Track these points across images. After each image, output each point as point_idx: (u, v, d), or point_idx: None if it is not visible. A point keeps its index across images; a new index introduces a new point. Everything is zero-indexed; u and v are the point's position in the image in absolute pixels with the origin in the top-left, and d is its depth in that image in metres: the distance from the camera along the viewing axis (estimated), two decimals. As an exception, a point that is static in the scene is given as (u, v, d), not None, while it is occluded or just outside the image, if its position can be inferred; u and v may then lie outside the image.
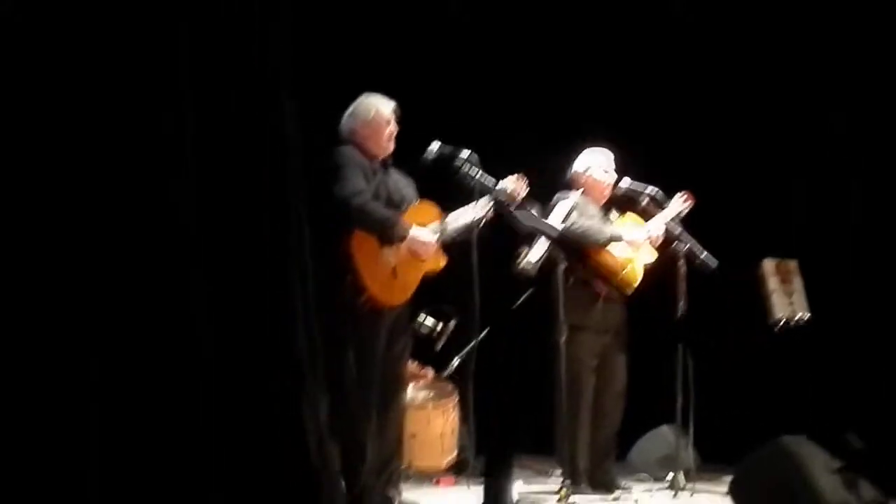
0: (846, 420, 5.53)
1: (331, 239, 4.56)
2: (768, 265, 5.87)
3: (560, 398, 5.05)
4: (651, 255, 5.55)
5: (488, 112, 6.61)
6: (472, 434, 5.25)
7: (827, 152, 6.56)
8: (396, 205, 4.74)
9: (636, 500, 5.08)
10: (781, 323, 5.72)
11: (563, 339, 5.02)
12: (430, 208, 4.84)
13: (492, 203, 4.75)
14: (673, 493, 5.36)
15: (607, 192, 5.61)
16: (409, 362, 5.28)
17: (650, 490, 5.42)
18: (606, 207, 5.65)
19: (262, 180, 3.32)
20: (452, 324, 6.03)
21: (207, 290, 3.15)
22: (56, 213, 2.98)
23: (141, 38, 3.08)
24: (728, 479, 5.47)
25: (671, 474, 5.44)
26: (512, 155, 5.28)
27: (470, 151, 4.74)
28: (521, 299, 5.41)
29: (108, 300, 3.01)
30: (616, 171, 5.61)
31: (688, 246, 5.53)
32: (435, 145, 4.74)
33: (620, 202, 5.68)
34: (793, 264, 5.94)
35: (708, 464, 5.98)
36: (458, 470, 5.88)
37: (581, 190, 5.48)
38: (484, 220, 4.76)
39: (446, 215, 4.79)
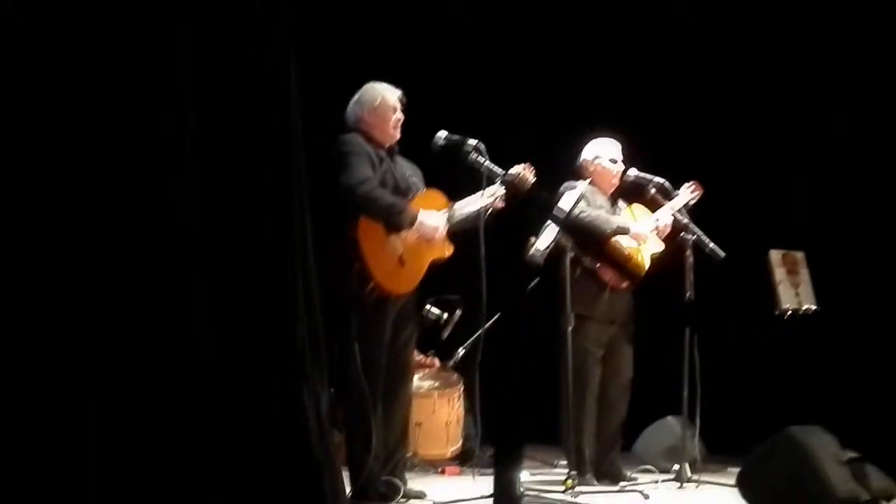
0: (852, 412, 5.54)
1: (337, 227, 4.56)
2: (775, 256, 5.84)
3: (566, 388, 5.04)
4: (658, 246, 5.53)
5: (494, 102, 6.59)
6: (478, 424, 5.23)
7: (834, 144, 6.53)
8: (403, 193, 4.73)
9: (642, 492, 5.06)
10: (788, 314, 5.70)
11: (570, 328, 5.00)
12: (437, 196, 4.82)
13: (500, 192, 4.74)
14: (678, 484, 5.35)
15: (615, 182, 5.59)
16: (415, 351, 5.27)
17: (656, 481, 5.40)
18: (614, 197, 5.63)
19: (262, 177, 3.31)
20: (458, 313, 6.03)
21: (208, 285, 3.14)
22: (56, 213, 2.97)
23: (141, 38, 3.06)
24: (734, 470, 5.47)
25: (677, 466, 5.42)
26: (518, 145, 5.26)
27: (477, 141, 4.73)
28: (528, 288, 5.39)
29: (108, 298, 3.00)
30: (623, 161, 5.59)
31: (695, 236, 5.51)
32: (442, 134, 4.73)
33: (628, 192, 5.66)
34: (800, 255, 5.92)
35: (714, 455, 5.97)
36: (464, 459, 5.88)
37: (589, 179, 5.46)
38: (491, 209, 4.75)
39: (453, 203, 4.77)
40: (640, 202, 5.65)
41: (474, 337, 5.84)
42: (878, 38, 6.30)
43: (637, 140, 5.76)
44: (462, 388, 6.02)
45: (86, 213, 2.98)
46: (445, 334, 6.10)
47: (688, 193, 5.59)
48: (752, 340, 6.31)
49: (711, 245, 5.53)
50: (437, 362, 6.14)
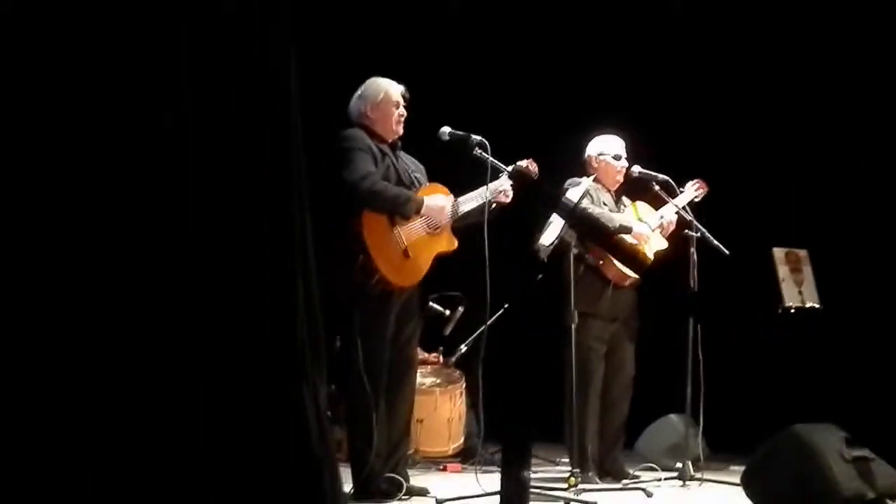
0: (856, 409, 5.52)
1: (341, 222, 4.55)
2: (778, 254, 5.85)
3: (570, 386, 5.02)
4: (662, 244, 5.52)
5: (497, 100, 6.58)
6: (480, 420, 5.22)
7: (837, 142, 6.52)
8: (406, 188, 4.72)
9: (645, 490, 5.05)
10: (791, 311, 5.69)
11: (573, 325, 4.99)
12: (440, 190, 4.81)
13: (503, 187, 4.73)
14: (681, 482, 5.33)
15: (619, 178, 5.57)
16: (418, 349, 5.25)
17: (658, 479, 5.38)
18: (618, 194, 5.61)
19: (262, 176, 3.29)
20: (460, 310, 6.01)
21: (207, 283, 3.12)
22: (56, 213, 2.95)
23: (141, 37, 3.05)
24: (736, 468, 5.48)
25: (680, 464, 5.40)
26: (521, 142, 5.24)
27: (480, 137, 4.72)
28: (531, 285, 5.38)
29: (106, 297, 2.99)
30: (627, 158, 5.57)
31: (699, 234, 5.50)
32: (445, 130, 4.73)
33: (632, 189, 5.64)
34: (803, 253, 5.92)
35: (716, 453, 5.96)
36: (466, 456, 5.87)
37: (593, 176, 5.44)
38: (495, 204, 4.75)
39: (457, 198, 4.76)
40: (644, 199, 5.64)
41: (476, 333, 5.84)
42: (879, 36, 6.29)
43: (639, 138, 5.75)
44: (464, 385, 6.01)
45: (85, 214, 2.97)
46: (447, 331, 6.09)
47: (692, 191, 5.58)
48: (754, 338, 6.30)
49: (716, 242, 5.51)
50: (439, 358, 6.12)
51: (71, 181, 2.94)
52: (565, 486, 4.84)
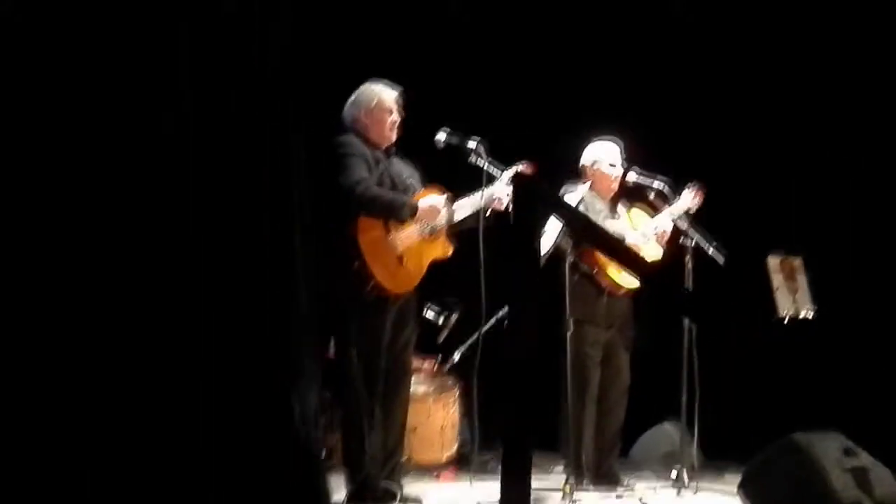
0: (851, 417, 5.51)
1: (336, 227, 4.53)
2: (772, 262, 5.82)
3: (565, 393, 5.00)
4: (657, 252, 5.50)
5: (495, 101, 6.56)
6: (475, 428, 5.19)
7: (836, 146, 6.52)
8: (401, 193, 4.71)
9: (640, 497, 5.02)
10: (786, 319, 5.68)
11: (569, 332, 4.97)
12: (436, 193, 4.80)
13: (499, 192, 4.71)
14: (676, 490, 5.31)
15: (615, 186, 5.55)
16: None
17: (654, 487, 5.36)
18: (614, 201, 5.60)
19: (260, 179, 3.29)
20: (455, 316, 5.99)
21: (202, 286, 3.12)
22: (55, 213, 2.95)
23: (141, 38, 3.04)
24: (731, 476, 5.47)
25: (674, 471, 5.38)
26: (519, 144, 5.22)
27: (478, 140, 4.71)
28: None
29: (102, 299, 2.99)
30: (624, 161, 5.55)
31: (695, 241, 5.48)
32: (442, 134, 4.72)
33: (628, 195, 5.62)
34: (797, 261, 5.90)
35: (710, 461, 5.94)
36: (460, 464, 5.84)
37: (589, 183, 5.43)
38: (491, 210, 4.73)
39: (453, 201, 4.75)
40: (641, 204, 5.62)
41: (470, 341, 5.81)
42: (877, 39, 6.30)
43: (637, 140, 5.72)
44: (458, 393, 5.98)
45: (84, 214, 2.96)
46: (441, 338, 6.06)
47: (689, 199, 5.56)
48: (749, 345, 6.28)
49: (712, 250, 5.50)
50: (433, 365, 6.09)
51: (69, 181, 2.93)
52: (560, 493, 4.83)
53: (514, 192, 4.64)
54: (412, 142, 4.85)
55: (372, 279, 4.46)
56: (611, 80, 6.71)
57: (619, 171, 5.53)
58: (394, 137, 4.79)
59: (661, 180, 5.54)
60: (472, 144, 4.71)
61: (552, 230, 4.95)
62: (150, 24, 3.04)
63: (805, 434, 4.18)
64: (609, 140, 5.59)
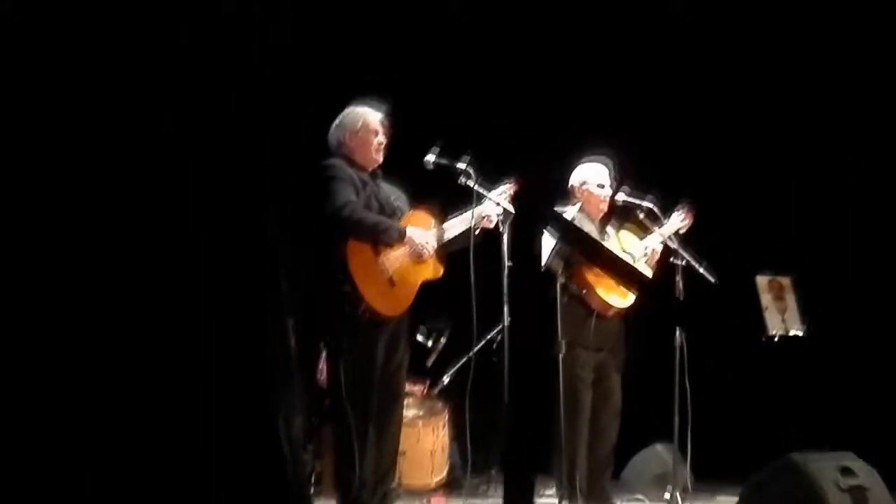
0: (842, 437, 5.49)
1: (325, 251, 4.50)
2: (761, 281, 5.83)
3: (558, 416, 4.96)
4: (648, 272, 5.48)
5: (485, 119, 6.54)
6: (468, 451, 5.15)
7: (827, 162, 6.54)
8: (389, 216, 4.69)
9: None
10: (775, 339, 5.67)
11: (561, 354, 4.93)
12: (424, 216, 4.80)
13: (488, 212, 4.69)
14: (670, 512, 5.28)
15: (604, 206, 5.53)
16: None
17: (647, 509, 5.34)
18: (603, 223, 5.57)
19: (236, 201, 3.27)
20: (444, 339, 5.95)
21: (185, 307, 3.09)
22: (53, 213, 2.92)
23: (141, 38, 3.03)
24: (723, 497, 5.44)
25: (667, 494, 5.35)
26: (508, 162, 5.21)
27: (468, 161, 4.68)
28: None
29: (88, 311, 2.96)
30: (613, 181, 5.54)
31: (685, 261, 5.47)
32: (431, 156, 4.69)
33: (617, 216, 5.60)
34: (786, 281, 5.90)
35: (701, 482, 5.90)
36: (450, 489, 5.78)
37: (579, 204, 5.40)
38: (480, 228, 4.71)
39: (442, 223, 4.72)
40: (630, 226, 5.60)
41: (460, 364, 5.78)
42: (873, 58, 6.33)
43: (626, 162, 5.71)
44: (447, 416, 5.93)
45: (82, 214, 2.94)
46: (430, 361, 6.02)
47: (678, 221, 5.55)
48: (740, 366, 6.27)
49: (702, 269, 5.48)
50: (423, 388, 6.05)
51: (68, 181, 2.92)
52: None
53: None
54: (397, 162, 4.82)
55: (363, 302, 4.42)
56: (600, 100, 6.72)
57: (608, 191, 5.52)
58: (380, 159, 4.78)
59: (650, 201, 5.53)
60: (461, 165, 4.69)
61: (544, 249, 4.92)
62: (150, 25, 3.04)
63: (802, 454, 4.14)
64: (597, 161, 5.57)
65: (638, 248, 5.48)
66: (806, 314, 5.59)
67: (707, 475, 5.91)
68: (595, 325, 5.36)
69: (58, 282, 2.94)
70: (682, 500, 5.32)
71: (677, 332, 5.38)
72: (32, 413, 2.91)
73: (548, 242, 4.87)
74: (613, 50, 6.79)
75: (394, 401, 4.68)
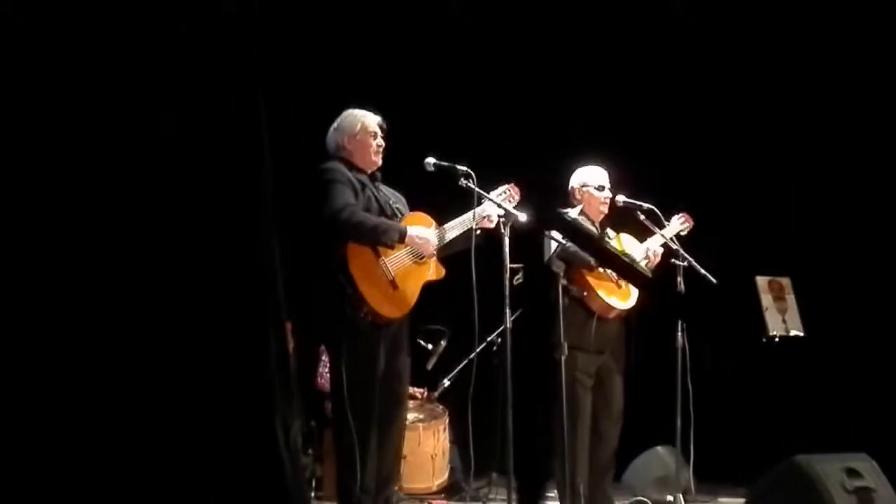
0: (844, 438, 5.48)
1: (326, 255, 4.47)
2: (761, 282, 5.83)
3: (559, 419, 4.94)
4: (648, 275, 5.46)
5: (482, 123, 6.54)
6: (471, 455, 5.12)
7: (827, 165, 6.54)
8: (389, 218, 4.67)
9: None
10: (775, 340, 5.67)
11: (563, 357, 4.91)
12: (423, 219, 4.77)
13: (488, 214, 4.68)
14: (672, 515, 5.27)
15: (603, 210, 5.51)
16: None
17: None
18: (603, 226, 5.55)
19: (233, 204, 3.25)
20: (444, 343, 5.93)
21: (181, 307, 3.06)
22: (50, 214, 2.90)
23: (140, 38, 3.01)
24: (724, 500, 5.43)
25: (670, 497, 5.33)
26: (505, 166, 5.20)
27: (466, 168, 4.67)
28: (515, 316, 5.31)
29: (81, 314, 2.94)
30: (611, 186, 5.52)
31: (686, 263, 5.45)
32: (430, 161, 4.68)
33: (618, 218, 5.58)
34: (785, 281, 5.91)
35: (701, 483, 5.89)
36: (451, 492, 5.77)
37: (579, 207, 5.38)
38: (480, 230, 4.69)
39: (442, 225, 4.72)
40: (630, 229, 5.58)
41: (460, 367, 5.76)
42: (871, 60, 6.33)
43: (624, 168, 5.70)
44: (447, 420, 5.91)
45: (81, 216, 2.92)
46: (430, 365, 6.00)
47: (678, 224, 5.54)
48: (740, 367, 6.26)
49: (703, 272, 5.47)
50: (423, 393, 6.03)
51: (67, 181, 2.90)
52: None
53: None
54: (396, 167, 4.81)
55: (365, 304, 4.40)
56: (600, 101, 6.71)
57: (608, 194, 5.50)
58: (379, 162, 4.77)
59: (649, 205, 5.52)
60: (462, 168, 4.67)
61: (545, 249, 4.92)
62: (150, 25, 3.03)
63: (808, 456, 4.13)
64: (595, 165, 5.56)
65: (639, 251, 5.46)
66: (807, 316, 5.58)
67: (709, 477, 5.91)
68: (596, 327, 5.34)
69: (52, 285, 2.92)
70: (685, 502, 5.30)
71: (679, 335, 5.37)
72: (29, 421, 2.89)
73: (547, 243, 4.86)
74: (613, 51, 6.79)
75: (396, 405, 4.64)
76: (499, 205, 4.67)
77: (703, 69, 6.71)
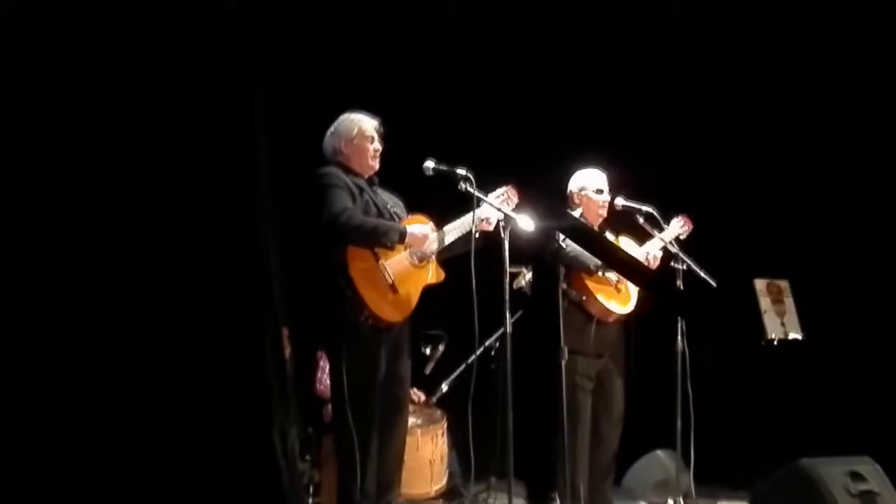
0: (844, 441, 5.48)
1: (326, 260, 4.45)
2: (759, 285, 5.82)
3: (560, 423, 4.92)
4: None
5: (482, 123, 6.53)
6: (471, 459, 5.10)
7: (826, 168, 6.54)
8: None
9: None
10: (774, 342, 5.67)
11: (564, 361, 4.90)
12: (422, 220, 4.76)
13: (486, 215, 4.66)
14: (673, 519, 5.26)
15: (602, 213, 5.50)
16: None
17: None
18: (602, 229, 5.54)
19: (229, 217, 3.26)
20: (442, 347, 5.91)
21: (179, 314, 3.06)
22: (48, 214, 2.91)
23: (140, 38, 3.02)
24: (725, 503, 5.41)
25: (671, 500, 5.32)
26: (505, 166, 5.19)
27: (465, 170, 4.65)
28: (514, 319, 5.29)
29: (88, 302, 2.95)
30: (611, 188, 5.51)
31: (686, 267, 5.44)
32: (429, 164, 4.66)
33: (617, 221, 5.57)
34: (784, 284, 5.90)
35: (701, 486, 5.88)
36: (449, 497, 5.74)
37: (579, 210, 5.37)
38: (479, 233, 4.67)
39: (442, 228, 4.71)
40: (629, 232, 5.57)
41: (458, 371, 5.74)
42: (871, 62, 6.33)
43: (623, 171, 5.69)
44: (445, 425, 5.88)
45: (80, 217, 2.92)
46: (428, 369, 5.98)
47: (677, 227, 5.53)
48: (739, 370, 6.26)
49: (703, 274, 5.46)
50: (422, 397, 6.00)
51: (67, 181, 2.90)
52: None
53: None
54: (396, 168, 4.79)
55: (366, 308, 4.38)
56: (598, 106, 6.71)
57: (607, 197, 5.49)
58: (376, 166, 4.76)
59: (648, 208, 5.51)
60: (461, 171, 4.66)
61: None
62: (150, 25, 3.04)
63: (811, 459, 4.12)
64: (593, 169, 5.55)
65: (638, 255, 5.44)
66: (807, 319, 5.58)
67: (709, 481, 5.89)
68: (595, 331, 5.33)
69: (51, 288, 2.93)
70: (686, 505, 5.31)
71: (679, 338, 5.36)
72: (28, 428, 2.89)
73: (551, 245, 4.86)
74: (613, 51, 6.79)
75: (397, 410, 4.62)
76: (497, 208, 4.65)
77: (703, 70, 6.71)
